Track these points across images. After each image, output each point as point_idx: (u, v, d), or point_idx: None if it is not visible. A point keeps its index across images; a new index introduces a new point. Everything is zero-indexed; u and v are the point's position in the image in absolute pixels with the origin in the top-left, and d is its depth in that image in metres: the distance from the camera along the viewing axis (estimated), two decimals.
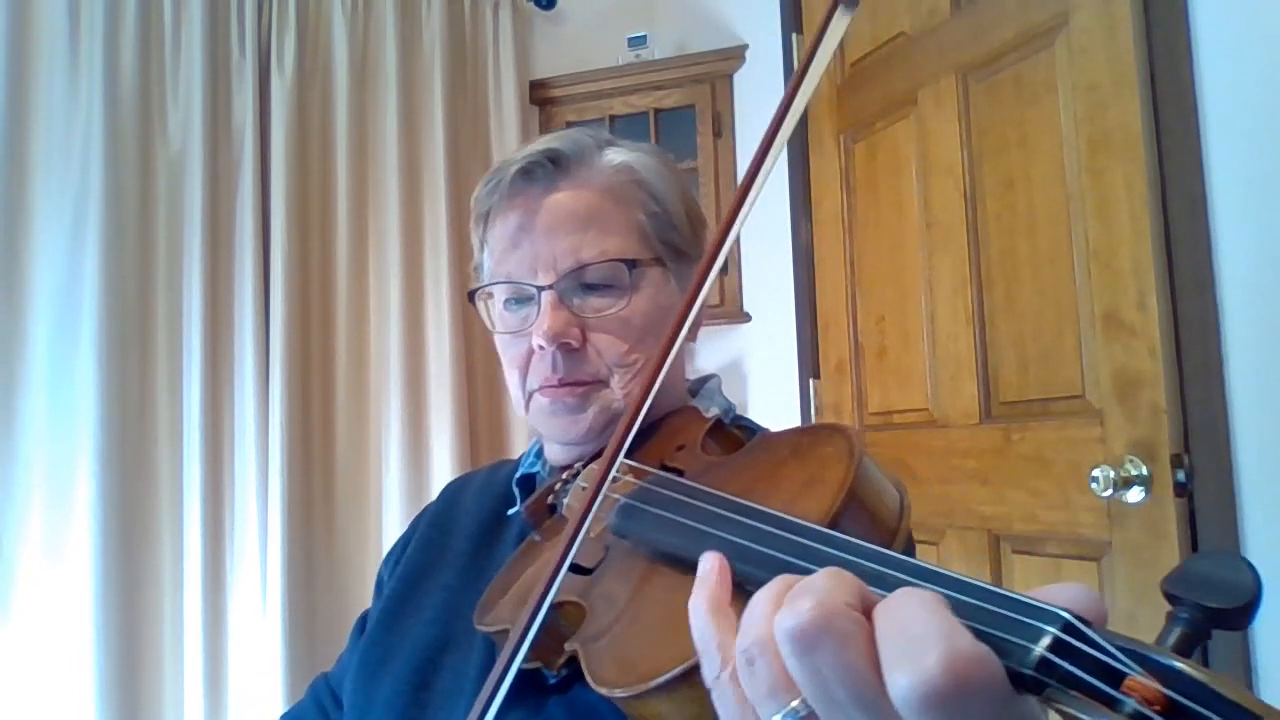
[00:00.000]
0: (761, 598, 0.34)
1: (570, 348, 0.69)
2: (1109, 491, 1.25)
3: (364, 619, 0.84)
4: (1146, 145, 1.25)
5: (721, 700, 0.35)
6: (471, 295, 0.76)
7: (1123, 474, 1.25)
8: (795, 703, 0.31)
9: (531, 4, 2.46)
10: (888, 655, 0.29)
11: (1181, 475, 1.21)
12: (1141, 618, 1.24)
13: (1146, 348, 1.25)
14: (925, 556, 0.34)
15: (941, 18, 1.66)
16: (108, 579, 1.96)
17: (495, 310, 0.75)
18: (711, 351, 2.36)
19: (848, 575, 0.32)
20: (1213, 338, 1.19)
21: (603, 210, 0.70)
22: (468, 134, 2.38)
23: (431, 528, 0.83)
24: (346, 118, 2.27)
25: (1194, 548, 1.20)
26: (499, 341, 0.75)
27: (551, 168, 0.70)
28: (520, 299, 0.72)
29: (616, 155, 0.73)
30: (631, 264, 0.69)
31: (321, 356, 2.23)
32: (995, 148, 1.53)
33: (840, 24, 0.50)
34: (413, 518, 0.90)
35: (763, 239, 2.24)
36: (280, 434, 2.09)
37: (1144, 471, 1.24)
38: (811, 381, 2.03)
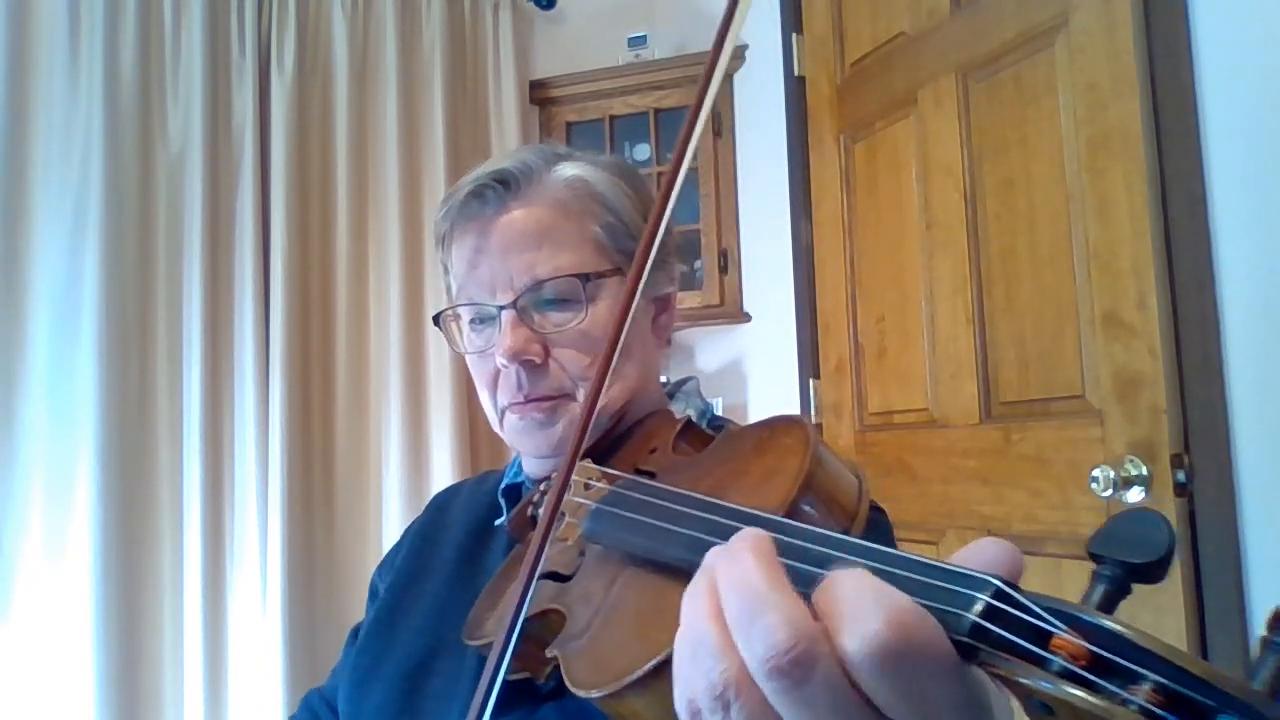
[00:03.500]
0: (700, 621, 0.32)
1: (533, 364, 0.70)
2: (1109, 491, 1.25)
3: (356, 631, 0.85)
4: (1146, 145, 1.25)
5: None
6: (437, 319, 0.77)
7: (1123, 474, 1.25)
8: None
9: (531, 4, 2.46)
10: (833, 628, 0.29)
11: (1181, 475, 1.21)
12: (1142, 618, 1.24)
13: (1146, 348, 1.25)
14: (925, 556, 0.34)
15: (941, 18, 1.66)
16: (108, 579, 1.96)
17: (463, 331, 0.76)
18: (711, 351, 2.36)
19: (775, 567, 0.31)
20: (1213, 338, 1.19)
21: (555, 225, 0.71)
22: (468, 134, 2.38)
23: (420, 538, 0.84)
24: (346, 118, 2.26)
25: (1194, 548, 1.20)
26: (469, 362, 0.76)
27: (501, 189, 0.71)
28: (483, 319, 0.73)
29: (567, 169, 0.74)
30: (586, 277, 0.70)
31: (321, 356, 2.23)
32: (995, 148, 1.53)
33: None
34: (412, 519, 0.90)
35: (763, 239, 2.24)
36: (280, 434, 2.09)
37: (1144, 471, 1.24)
38: (811, 381, 2.03)
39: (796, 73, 2.09)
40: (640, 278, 0.53)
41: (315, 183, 2.25)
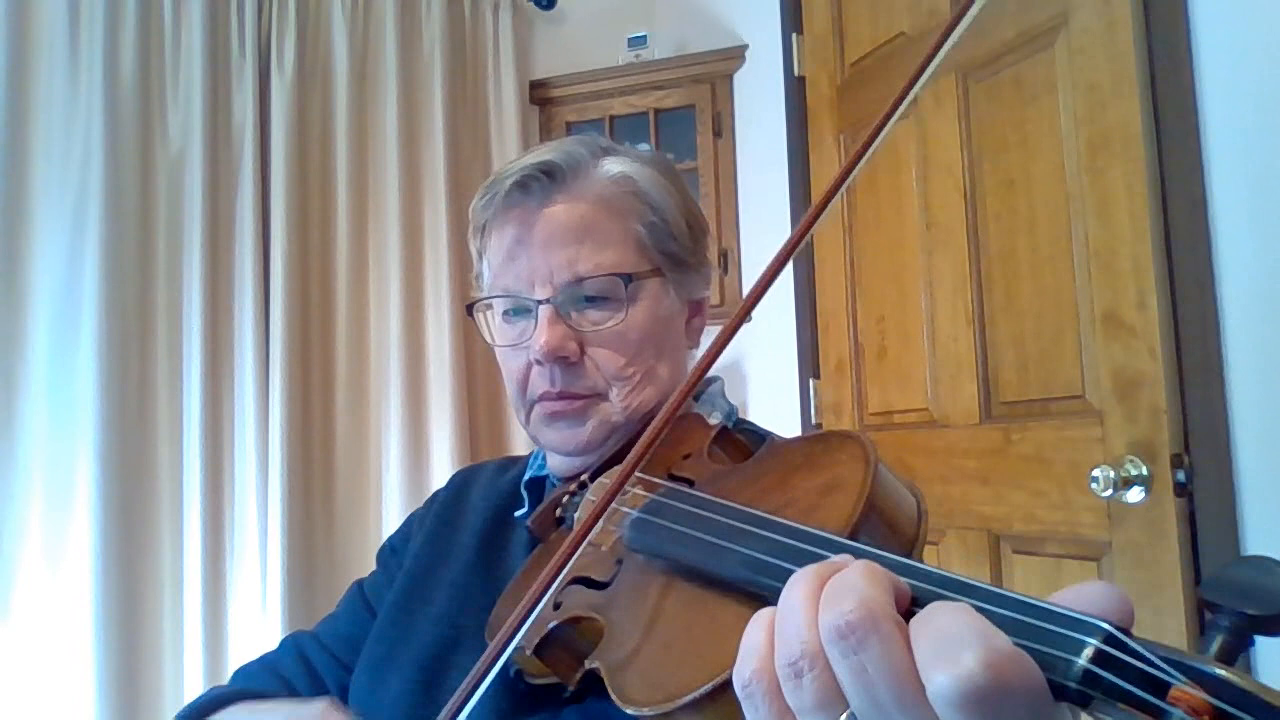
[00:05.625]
0: (796, 600, 0.33)
1: (568, 362, 0.69)
2: (1109, 491, 1.25)
3: (360, 585, 0.84)
4: (1146, 145, 1.25)
5: (755, 712, 0.33)
6: (470, 308, 0.76)
7: (1123, 474, 1.25)
8: (843, 717, 0.31)
9: (531, 4, 2.46)
10: (925, 657, 0.29)
11: (1181, 475, 1.21)
12: (1142, 618, 1.24)
13: (1146, 348, 1.25)
14: (925, 557, 0.34)
15: (941, 18, 1.66)
16: (108, 579, 1.96)
17: (494, 322, 0.75)
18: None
19: (879, 568, 0.32)
20: (1213, 338, 1.19)
21: (598, 222, 0.70)
22: (468, 134, 2.38)
23: (439, 521, 0.83)
24: (346, 118, 2.26)
25: (1194, 548, 1.20)
26: (498, 354, 0.75)
27: (547, 180, 0.70)
28: (518, 311, 0.72)
29: (614, 165, 0.73)
30: (628, 278, 0.69)
31: (321, 356, 2.23)
32: (995, 148, 1.53)
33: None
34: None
35: (762, 239, 2.25)
36: (280, 434, 2.09)
37: (1144, 471, 1.24)
38: (811, 381, 2.03)
39: (796, 73, 2.09)
40: (733, 333, 0.50)
41: (315, 183, 2.25)
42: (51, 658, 1.95)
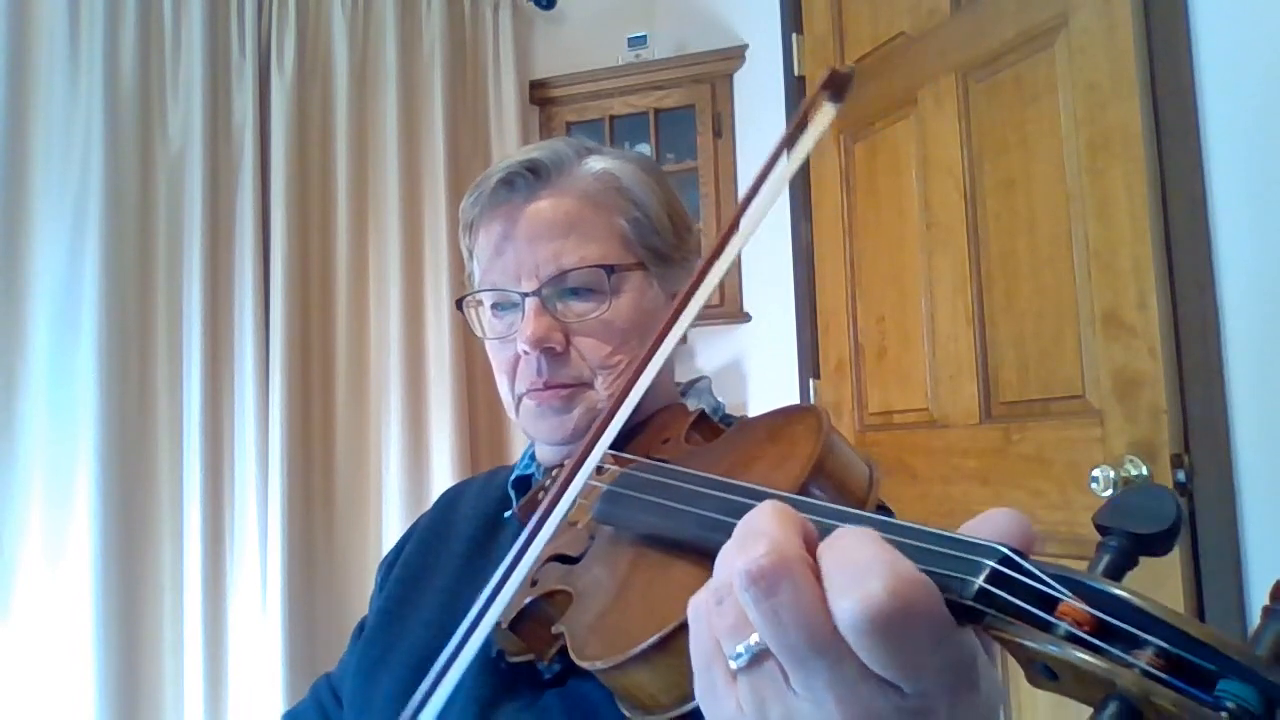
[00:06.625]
0: (729, 544, 0.34)
1: (554, 352, 0.71)
2: (1109, 491, 1.25)
3: (362, 626, 0.85)
4: (1146, 145, 1.25)
5: (697, 639, 0.34)
6: (460, 303, 0.78)
7: (1123, 474, 1.25)
8: (754, 638, 0.31)
9: (531, 4, 2.46)
10: (833, 585, 0.30)
11: (1181, 475, 1.21)
12: None
13: (1146, 348, 1.25)
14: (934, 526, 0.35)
15: (941, 18, 1.66)
16: (108, 579, 1.96)
17: (484, 317, 0.77)
18: (711, 351, 2.36)
19: (789, 511, 0.33)
20: (1213, 338, 1.19)
21: (583, 217, 0.72)
22: (468, 134, 2.38)
23: (428, 532, 0.85)
24: (346, 118, 2.27)
25: (1194, 548, 1.20)
26: (488, 347, 0.77)
27: (532, 177, 0.72)
28: (506, 305, 0.74)
29: (597, 163, 0.75)
30: (611, 269, 0.71)
31: (321, 356, 2.23)
32: (995, 148, 1.53)
33: (825, 116, 0.52)
34: (412, 519, 0.91)
35: (763, 239, 2.24)
36: (280, 434, 2.09)
37: (1144, 471, 1.24)
38: (811, 381, 2.03)
39: (796, 73, 2.09)
40: (689, 300, 0.53)
41: (315, 183, 2.25)
42: (51, 658, 1.95)
